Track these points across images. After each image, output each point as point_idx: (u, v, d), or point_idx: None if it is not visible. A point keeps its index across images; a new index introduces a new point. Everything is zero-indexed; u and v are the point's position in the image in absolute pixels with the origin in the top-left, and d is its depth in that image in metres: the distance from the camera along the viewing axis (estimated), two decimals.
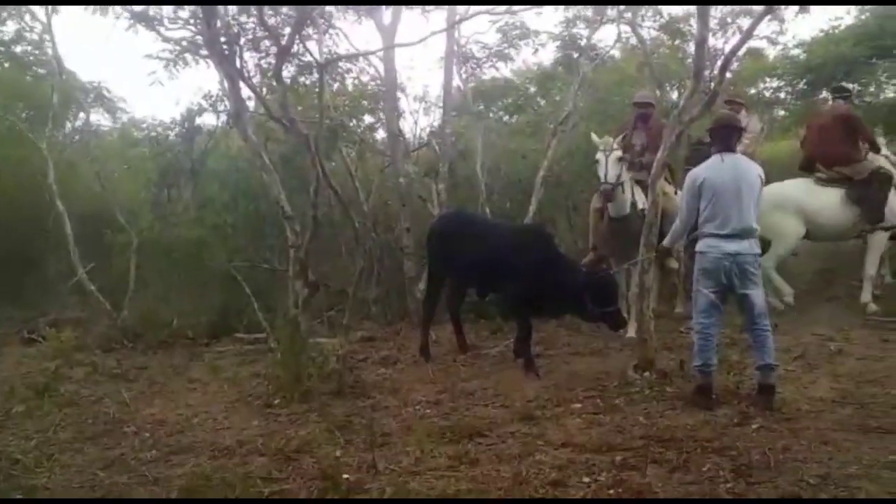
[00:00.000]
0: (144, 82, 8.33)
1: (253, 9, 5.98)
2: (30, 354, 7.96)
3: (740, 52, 13.95)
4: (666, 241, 5.66)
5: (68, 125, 12.84)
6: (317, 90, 6.80)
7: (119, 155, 13.26)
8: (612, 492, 3.62)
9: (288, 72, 8.18)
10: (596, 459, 4.04)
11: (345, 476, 3.93)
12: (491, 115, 11.76)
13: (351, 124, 10.09)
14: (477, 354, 6.89)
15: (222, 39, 5.29)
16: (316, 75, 8.09)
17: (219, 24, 5.10)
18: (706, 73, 7.64)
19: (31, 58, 11.88)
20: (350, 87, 10.85)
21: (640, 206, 6.82)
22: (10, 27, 11.22)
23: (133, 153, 12.93)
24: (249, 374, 6.56)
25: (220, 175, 9.68)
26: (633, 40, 10.22)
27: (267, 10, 6.57)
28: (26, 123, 9.94)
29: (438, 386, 5.85)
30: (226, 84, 5.58)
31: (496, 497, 3.62)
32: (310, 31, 7.54)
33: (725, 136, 5.03)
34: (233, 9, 6.51)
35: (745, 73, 14.07)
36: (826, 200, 7.62)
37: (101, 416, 5.51)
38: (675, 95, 11.18)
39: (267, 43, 7.38)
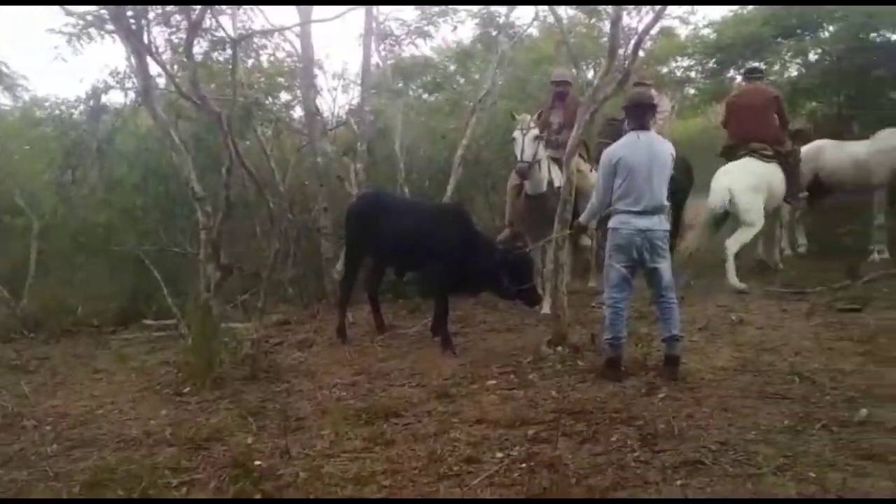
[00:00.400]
0: (46, 58, 7.85)
1: None
2: None
3: (653, 32, 14.36)
4: (582, 218, 5.74)
5: None
6: (230, 67, 6.60)
7: (20, 135, 12.56)
8: (524, 465, 3.66)
9: (200, 48, 7.88)
10: (509, 434, 4.10)
11: (256, 462, 3.86)
12: (410, 93, 11.65)
13: (267, 102, 9.81)
14: (395, 335, 6.88)
15: (129, 13, 5.02)
16: (229, 51, 7.89)
17: None
18: (620, 51, 7.81)
19: None
20: (266, 64, 10.58)
21: (556, 183, 6.91)
22: None
23: (35, 133, 12.25)
24: (159, 361, 6.37)
25: (129, 155, 9.27)
26: (551, 19, 10.27)
27: None
28: None
29: (355, 367, 5.81)
30: (133, 60, 5.30)
31: (411, 476, 3.62)
32: (223, 6, 7.27)
33: (640, 115, 5.12)
34: None
35: (657, 52, 14.39)
36: (776, 176, 8.06)
37: None
38: (590, 74, 11.34)
39: (178, 17, 7.07)
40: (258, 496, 3.52)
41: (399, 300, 8.20)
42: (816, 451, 3.61)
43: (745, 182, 7.74)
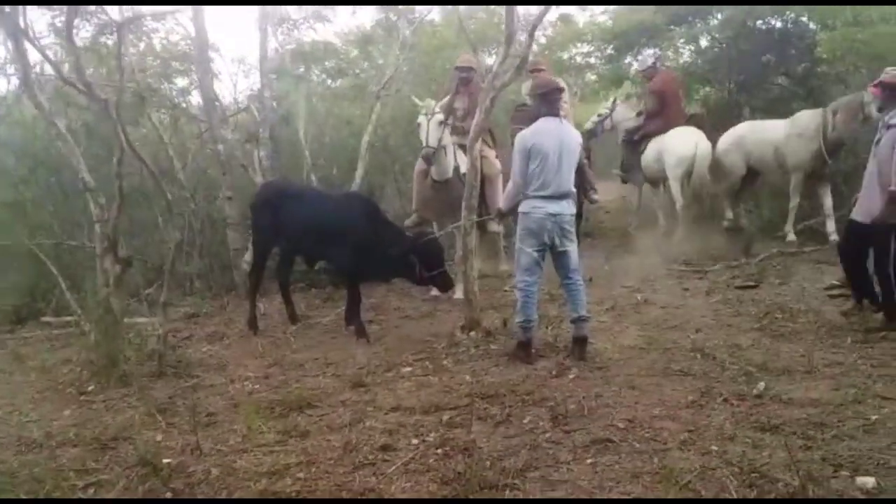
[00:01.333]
0: None
1: None
2: None
3: (552, 19, 14.64)
4: (503, 205, 5.72)
5: None
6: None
7: None
8: (439, 451, 3.72)
9: (87, 31, 7.50)
10: (424, 421, 4.14)
11: (166, 460, 3.77)
12: (314, 78, 11.47)
13: (161, 88, 9.44)
14: (308, 325, 6.81)
15: None
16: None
17: None
18: (522, 38, 7.92)
19: None
20: (159, 48, 10.17)
21: (462, 169, 6.93)
22: None
23: None
24: (60, 360, 6.08)
25: (15, 146, 8.77)
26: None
27: None
28: None
29: (268, 360, 5.73)
30: (9, 45, 5.00)
31: (326, 468, 3.61)
32: None
33: (551, 100, 5.18)
34: None
35: (558, 38, 14.69)
36: None
37: None
38: (491, 60, 11.46)
39: None
40: (168, 495, 3.43)
41: (312, 289, 8.11)
42: (718, 424, 3.81)
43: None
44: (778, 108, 9.91)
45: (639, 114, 9.89)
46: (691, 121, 10.26)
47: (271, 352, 5.94)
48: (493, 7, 12.12)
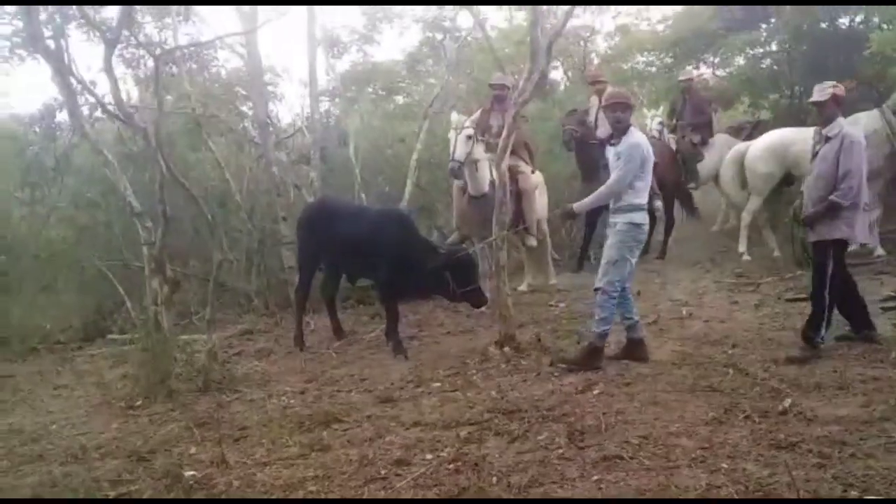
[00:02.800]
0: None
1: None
2: None
3: (611, 30, 14.55)
4: (588, 204, 5.58)
5: None
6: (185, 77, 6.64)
7: None
8: (451, 466, 3.76)
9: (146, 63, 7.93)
10: (442, 436, 4.20)
11: (191, 473, 3.95)
12: (367, 99, 11.75)
13: (220, 115, 9.85)
14: (352, 340, 6.97)
15: (47, 34, 5.10)
16: (185, 62, 7.94)
17: (43, 16, 4.92)
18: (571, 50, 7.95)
19: None
20: (224, 75, 10.65)
21: None
22: None
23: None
24: (118, 375, 6.42)
25: (88, 172, 9.33)
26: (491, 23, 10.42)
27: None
28: None
29: (307, 375, 5.90)
30: (56, 79, 5.37)
31: (339, 481, 3.71)
32: (167, 19, 7.34)
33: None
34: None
35: (618, 49, 14.56)
36: None
37: None
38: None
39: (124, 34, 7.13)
40: None
41: (360, 306, 8.29)
42: (734, 441, 3.73)
43: None
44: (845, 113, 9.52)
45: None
46: (758, 128, 10.07)
47: (312, 367, 6.12)
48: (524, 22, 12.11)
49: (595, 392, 4.70)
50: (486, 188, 7.10)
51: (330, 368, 6.05)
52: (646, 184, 5.18)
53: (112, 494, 3.84)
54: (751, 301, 6.87)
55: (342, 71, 10.59)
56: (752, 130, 10.27)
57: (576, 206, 5.62)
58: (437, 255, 6.11)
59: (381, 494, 3.53)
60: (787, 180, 8.29)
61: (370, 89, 11.57)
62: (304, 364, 6.25)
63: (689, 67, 10.24)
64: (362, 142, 9.68)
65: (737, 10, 10.51)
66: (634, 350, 5.35)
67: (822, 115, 5.18)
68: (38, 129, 9.12)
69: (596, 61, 14.69)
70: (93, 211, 8.87)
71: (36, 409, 5.80)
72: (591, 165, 8.02)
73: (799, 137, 8.17)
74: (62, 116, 8.91)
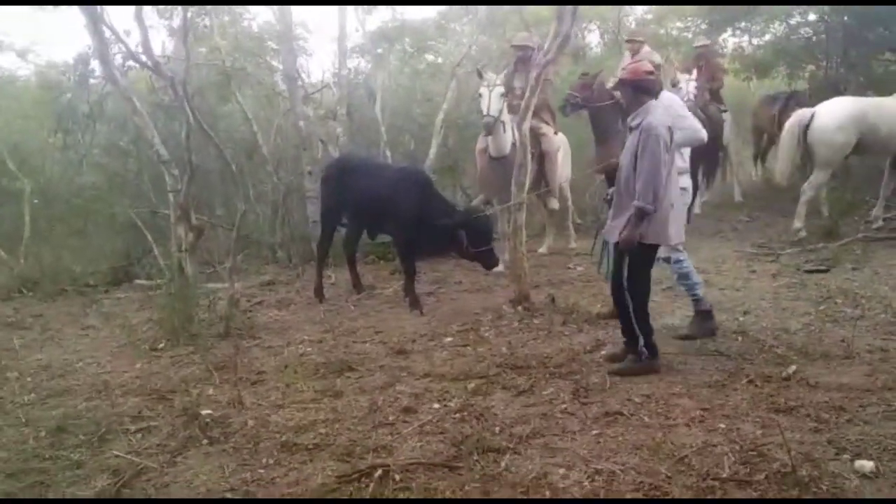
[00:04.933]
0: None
1: None
2: None
3: None
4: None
5: None
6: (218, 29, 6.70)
7: (31, 99, 12.79)
8: (457, 416, 3.89)
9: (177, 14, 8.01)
10: (451, 387, 4.32)
11: (208, 411, 4.11)
12: (392, 57, 11.74)
13: (250, 68, 9.93)
14: (371, 294, 7.08)
15: None
16: (217, 17, 8.01)
17: None
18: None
19: None
20: (256, 28, 10.69)
21: None
22: None
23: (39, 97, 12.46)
24: (143, 319, 6.61)
25: (120, 120, 9.48)
26: None
27: None
28: None
29: (325, 326, 6.01)
30: (88, 26, 5.47)
31: (348, 425, 3.85)
32: None
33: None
34: None
35: (656, 14, 14.33)
36: None
37: None
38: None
39: None
40: (205, 442, 3.76)
41: (380, 261, 8.40)
42: (734, 404, 3.80)
43: None
44: (886, 87, 9.31)
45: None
46: (793, 98, 9.93)
47: (330, 319, 6.24)
48: None
49: (602, 352, 4.77)
50: (508, 150, 7.10)
51: (347, 320, 6.18)
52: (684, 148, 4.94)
53: (132, 429, 4.03)
54: (769, 270, 6.86)
55: (372, 28, 10.59)
56: (787, 101, 10.11)
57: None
58: (453, 214, 6.18)
59: (387, 438, 3.66)
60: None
61: (399, 47, 11.55)
62: (323, 315, 6.38)
63: (702, 37, 10.05)
64: (390, 99, 9.69)
65: None
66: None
67: (631, 100, 4.42)
68: (72, 77, 9.26)
69: (632, 25, 14.50)
70: (123, 158, 9.04)
71: (63, 347, 6.02)
72: (603, 128, 7.87)
73: (872, 105, 7.94)
74: (96, 64, 9.02)
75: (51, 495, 3.38)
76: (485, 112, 6.79)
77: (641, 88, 4.32)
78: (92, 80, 9.12)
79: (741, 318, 5.36)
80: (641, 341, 4.38)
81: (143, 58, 5.59)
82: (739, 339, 4.88)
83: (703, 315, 5.04)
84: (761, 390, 3.94)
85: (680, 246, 4.87)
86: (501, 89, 6.85)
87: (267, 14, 10.29)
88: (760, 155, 10.98)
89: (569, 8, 5.17)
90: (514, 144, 7.05)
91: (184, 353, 5.47)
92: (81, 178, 9.10)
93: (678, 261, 4.98)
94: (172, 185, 6.04)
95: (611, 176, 7.72)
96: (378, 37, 10.66)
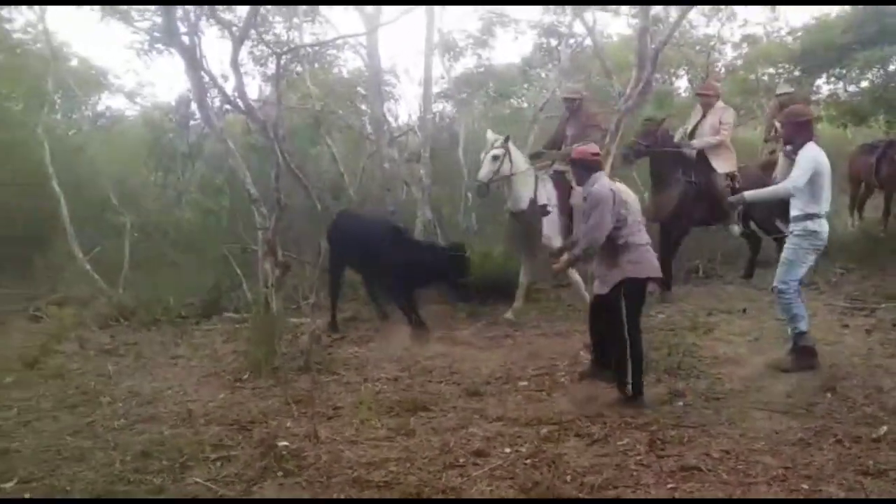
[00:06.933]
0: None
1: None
2: (33, 330, 8.32)
3: (736, 40, 14.12)
4: (759, 194, 5.87)
5: (86, 109, 13.29)
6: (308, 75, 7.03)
7: (137, 138, 13.59)
8: (528, 461, 3.86)
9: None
10: (524, 432, 4.30)
11: (285, 443, 4.22)
12: (476, 101, 11.92)
13: (339, 112, 10.29)
14: (446, 335, 7.12)
15: (182, 30, 5.56)
16: (308, 64, 8.39)
17: (179, 13, 5.38)
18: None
19: (29, 47, 12.12)
20: (346, 74, 11.10)
21: (542, 200, 7.14)
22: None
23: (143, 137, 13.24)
24: (229, 350, 6.86)
25: (216, 159, 9.97)
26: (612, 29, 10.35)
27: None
28: (22, 108, 10.30)
29: (402, 364, 6.10)
30: (189, 73, 5.84)
31: (419, 465, 3.87)
32: (295, 19, 7.78)
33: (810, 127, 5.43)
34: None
35: (746, 59, 14.09)
36: None
37: (83, 388, 5.84)
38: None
39: (252, 33, 7.62)
40: (279, 473, 3.86)
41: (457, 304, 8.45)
42: (819, 464, 3.64)
43: None
44: None
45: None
46: (892, 147, 9.60)
47: (408, 357, 6.32)
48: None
49: (680, 403, 4.66)
50: (524, 205, 7.18)
51: (424, 359, 6.23)
52: (819, 195, 5.24)
53: (212, 457, 4.17)
54: (863, 325, 6.54)
55: (457, 74, 10.82)
56: (885, 149, 9.74)
57: (747, 194, 5.81)
58: (437, 251, 6.83)
59: (457, 480, 3.67)
60: None
61: (483, 92, 11.74)
62: (401, 353, 6.46)
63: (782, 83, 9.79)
64: (472, 143, 9.83)
65: (868, 25, 9.96)
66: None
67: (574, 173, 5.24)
68: (173, 118, 9.82)
69: (721, 71, 14.28)
70: (217, 196, 9.45)
71: (154, 375, 6.27)
72: (663, 176, 7.83)
73: None
74: (195, 107, 9.54)
75: None
76: (478, 177, 7.07)
77: (588, 166, 4.97)
78: (192, 122, 9.62)
79: (831, 375, 5.12)
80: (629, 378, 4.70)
81: (239, 102, 5.90)
82: (828, 395, 4.67)
83: (804, 351, 5.21)
84: (849, 451, 3.77)
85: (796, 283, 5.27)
86: (496, 152, 7.00)
87: (357, 61, 10.69)
88: (857, 205, 10.56)
89: (649, 54, 5.17)
90: (532, 199, 7.17)
91: (265, 385, 5.63)
92: (178, 214, 9.54)
93: (781, 292, 5.30)
94: (261, 222, 6.29)
95: (665, 223, 7.67)
96: (462, 82, 10.88)
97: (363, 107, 11.44)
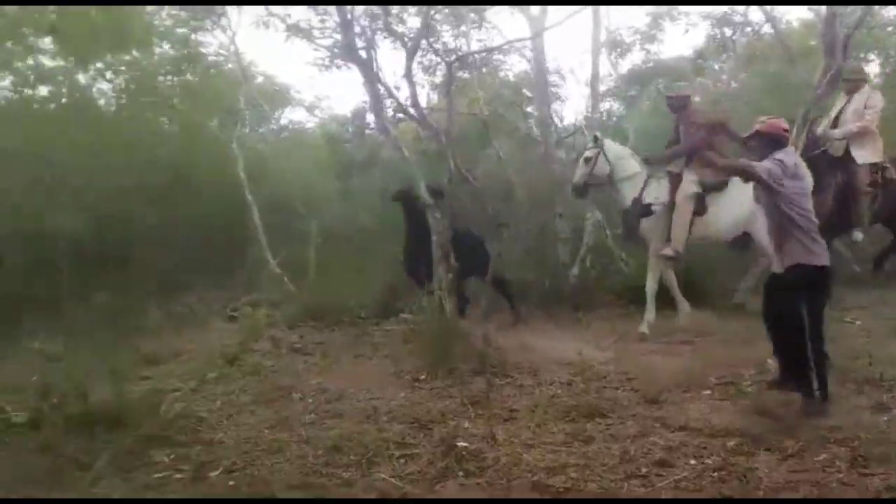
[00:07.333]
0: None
1: (381, 12, 6.62)
2: (230, 329, 9.08)
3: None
4: None
5: (269, 124, 14.35)
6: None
7: (317, 149, 14.50)
8: (715, 474, 3.71)
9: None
10: (709, 443, 4.13)
11: (464, 444, 4.31)
12: (649, 97, 11.52)
13: (506, 116, 10.36)
14: (624, 340, 7.01)
15: (360, 45, 5.89)
16: (475, 70, 8.54)
17: (357, 29, 5.69)
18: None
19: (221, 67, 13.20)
20: (512, 78, 11.17)
21: (648, 199, 7.24)
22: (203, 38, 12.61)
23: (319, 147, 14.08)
24: (408, 351, 7.12)
25: (391, 167, 10.38)
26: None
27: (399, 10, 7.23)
28: (217, 126, 11.27)
29: (575, 368, 6.05)
30: (366, 86, 6.16)
31: (599, 472, 3.83)
32: (463, 27, 7.97)
33: None
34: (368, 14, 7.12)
35: None
36: None
37: (277, 384, 6.27)
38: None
39: (423, 43, 7.88)
40: (460, 474, 3.95)
41: (631, 305, 8.28)
42: None
43: None
44: None
45: None
46: None
47: (579, 361, 6.26)
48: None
49: (885, 418, 4.28)
50: (627, 203, 7.33)
51: (598, 364, 6.16)
52: None
53: (396, 454, 4.34)
54: None
55: (624, 70, 10.57)
56: None
57: None
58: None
59: (641, 492, 3.59)
60: None
61: (653, 88, 11.36)
62: (573, 357, 6.41)
63: None
64: (642, 141, 9.57)
65: None
66: None
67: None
68: (350, 129, 10.35)
69: None
70: (394, 202, 9.84)
71: (339, 373, 6.63)
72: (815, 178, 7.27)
73: None
74: (370, 117, 10.03)
75: None
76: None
77: (776, 141, 4.73)
78: (367, 132, 10.09)
79: None
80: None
81: (412, 111, 6.13)
82: None
83: None
84: None
85: None
86: (588, 153, 7.21)
87: (523, 64, 10.73)
88: None
89: (839, 40, 4.80)
90: (636, 199, 7.26)
91: (442, 385, 5.79)
92: (358, 220, 10.05)
93: None
94: (435, 227, 6.50)
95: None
96: (630, 79, 10.61)
97: (529, 109, 11.46)
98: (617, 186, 7.38)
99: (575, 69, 10.31)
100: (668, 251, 7.35)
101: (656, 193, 7.24)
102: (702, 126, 7.04)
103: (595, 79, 9.19)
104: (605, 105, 10.37)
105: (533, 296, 9.02)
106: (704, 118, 7.23)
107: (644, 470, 3.83)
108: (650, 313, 7.37)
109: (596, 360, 6.30)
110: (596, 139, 7.35)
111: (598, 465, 3.93)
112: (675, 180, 7.33)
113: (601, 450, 4.16)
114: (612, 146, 7.44)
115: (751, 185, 7.27)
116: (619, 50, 9.88)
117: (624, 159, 7.45)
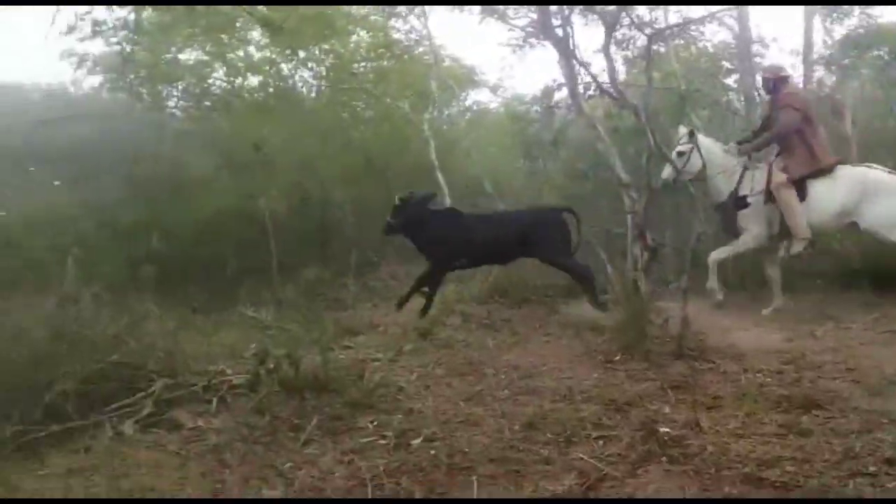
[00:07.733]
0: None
1: None
2: (421, 304, 9.39)
3: None
4: None
5: (454, 106, 14.63)
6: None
7: (502, 129, 14.60)
8: None
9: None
10: None
11: (666, 429, 4.16)
12: (863, 66, 10.36)
13: (704, 89, 9.80)
14: (836, 328, 6.47)
15: (556, 23, 5.81)
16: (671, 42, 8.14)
17: (553, 9, 5.60)
18: None
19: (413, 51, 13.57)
20: (711, 49, 10.57)
21: (743, 192, 6.91)
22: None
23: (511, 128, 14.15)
24: (597, 331, 6.99)
25: (579, 146, 10.21)
26: None
27: None
28: (409, 109, 11.63)
29: (786, 356, 5.68)
30: (562, 62, 6.05)
31: (819, 468, 3.55)
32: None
33: None
34: None
35: None
36: None
37: (468, 358, 6.38)
38: None
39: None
40: (663, 460, 3.81)
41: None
42: None
43: None
44: None
45: None
46: None
47: (790, 349, 5.86)
48: None
49: None
50: (723, 198, 7.14)
51: (811, 353, 5.72)
52: None
53: (594, 435, 4.27)
54: None
55: (840, 36, 9.59)
56: None
57: None
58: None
59: (869, 491, 3.29)
60: None
61: (875, 54, 10.22)
62: (782, 345, 6.01)
63: None
64: (861, 113, 8.69)
65: None
66: None
67: None
68: (538, 108, 10.29)
69: None
70: (581, 182, 9.69)
71: (528, 350, 6.62)
72: None
73: None
74: (558, 96, 9.90)
75: (525, 485, 3.75)
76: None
77: None
78: (556, 111, 9.97)
79: None
80: None
81: (610, 88, 5.99)
82: None
83: None
84: None
85: None
86: (682, 148, 6.90)
87: (722, 34, 10.11)
88: None
89: None
90: (732, 193, 6.99)
91: (638, 368, 5.62)
92: (544, 200, 9.97)
93: None
94: (630, 206, 6.33)
95: None
96: (846, 45, 9.64)
97: (728, 81, 10.79)
98: (711, 181, 7.16)
99: (777, 38, 9.57)
100: (798, 244, 7.13)
101: (751, 184, 7.00)
102: (797, 110, 6.70)
103: (808, 44, 8.46)
104: (816, 74, 9.48)
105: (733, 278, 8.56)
106: (800, 102, 6.86)
107: (872, 468, 3.51)
108: (779, 299, 7.47)
109: (809, 348, 5.85)
110: (692, 134, 7.10)
111: (818, 461, 3.64)
112: (769, 169, 7.10)
113: (820, 444, 3.86)
114: (704, 141, 7.21)
115: (861, 168, 6.73)
116: (835, 15, 8.97)
117: (716, 154, 7.24)
